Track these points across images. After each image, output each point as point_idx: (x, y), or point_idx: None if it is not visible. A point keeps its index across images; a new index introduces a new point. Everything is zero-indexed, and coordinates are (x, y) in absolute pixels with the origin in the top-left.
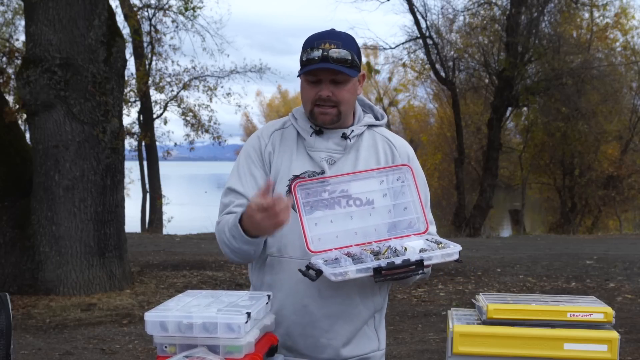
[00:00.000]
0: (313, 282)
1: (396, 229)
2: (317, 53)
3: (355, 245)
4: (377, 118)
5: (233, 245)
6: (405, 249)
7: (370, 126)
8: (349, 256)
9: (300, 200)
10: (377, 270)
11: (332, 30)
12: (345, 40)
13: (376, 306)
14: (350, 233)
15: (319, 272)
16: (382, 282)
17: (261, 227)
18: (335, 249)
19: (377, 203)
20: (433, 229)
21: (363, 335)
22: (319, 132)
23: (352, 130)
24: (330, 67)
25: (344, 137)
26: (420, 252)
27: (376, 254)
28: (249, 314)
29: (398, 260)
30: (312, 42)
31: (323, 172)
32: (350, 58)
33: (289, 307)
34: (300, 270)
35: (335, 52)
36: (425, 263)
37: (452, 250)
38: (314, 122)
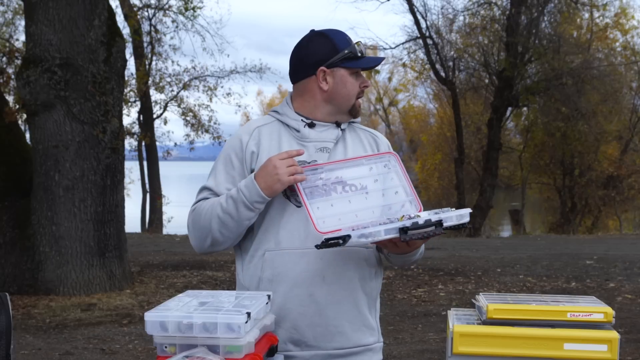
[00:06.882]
0: (319, 268)
1: (391, 211)
2: (363, 49)
3: (356, 226)
4: None
5: (230, 215)
6: (418, 216)
7: (350, 122)
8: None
9: (301, 185)
10: (404, 230)
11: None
12: None
13: (372, 291)
14: (351, 215)
15: (347, 237)
16: (377, 267)
17: (277, 173)
18: (343, 228)
19: (370, 188)
20: None
21: (368, 325)
22: (311, 125)
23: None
24: (379, 62)
25: (338, 125)
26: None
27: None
28: (249, 314)
29: (421, 221)
30: (350, 39)
31: (315, 161)
32: None
33: (294, 300)
34: (317, 245)
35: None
36: (445, 224)
37: (464, 212)
38: (354, 115)
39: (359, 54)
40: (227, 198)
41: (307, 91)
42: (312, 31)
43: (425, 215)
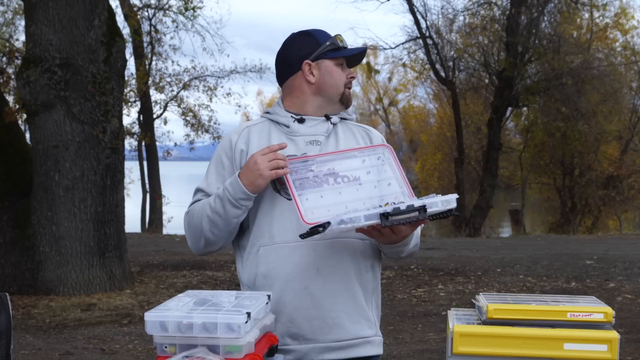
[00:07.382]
0: (312, 260)
1: (383, 202)
2: (346, 43)
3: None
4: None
5: (218, 214)
6: (402, 202)
7: (342, 119)
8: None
9: (291, 177)
10: (385, 216)
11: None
12: None
13: (368, 284)
14: (341, 207)
15: (326, 224)
16: (374, 260)
17: (259, 168)
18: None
19: (362, 179)
20: None
21: (365, 317)
22: (300, 120)
23: (332, 116)
24: (362, 50)
25: (327, 118)
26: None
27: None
28: (249, 314)
29: (403, 206)
30: (330, 34)
31: (305, 154)
32: None
33: (289, 293)
34: (302, 235)
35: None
36: (429, 209)
37: (450, 197)
38: (345, 104)
39: (341, 46)
40: (215, 197)
41: (295, 87)
42: (293, 33)
43: (409, 201)
